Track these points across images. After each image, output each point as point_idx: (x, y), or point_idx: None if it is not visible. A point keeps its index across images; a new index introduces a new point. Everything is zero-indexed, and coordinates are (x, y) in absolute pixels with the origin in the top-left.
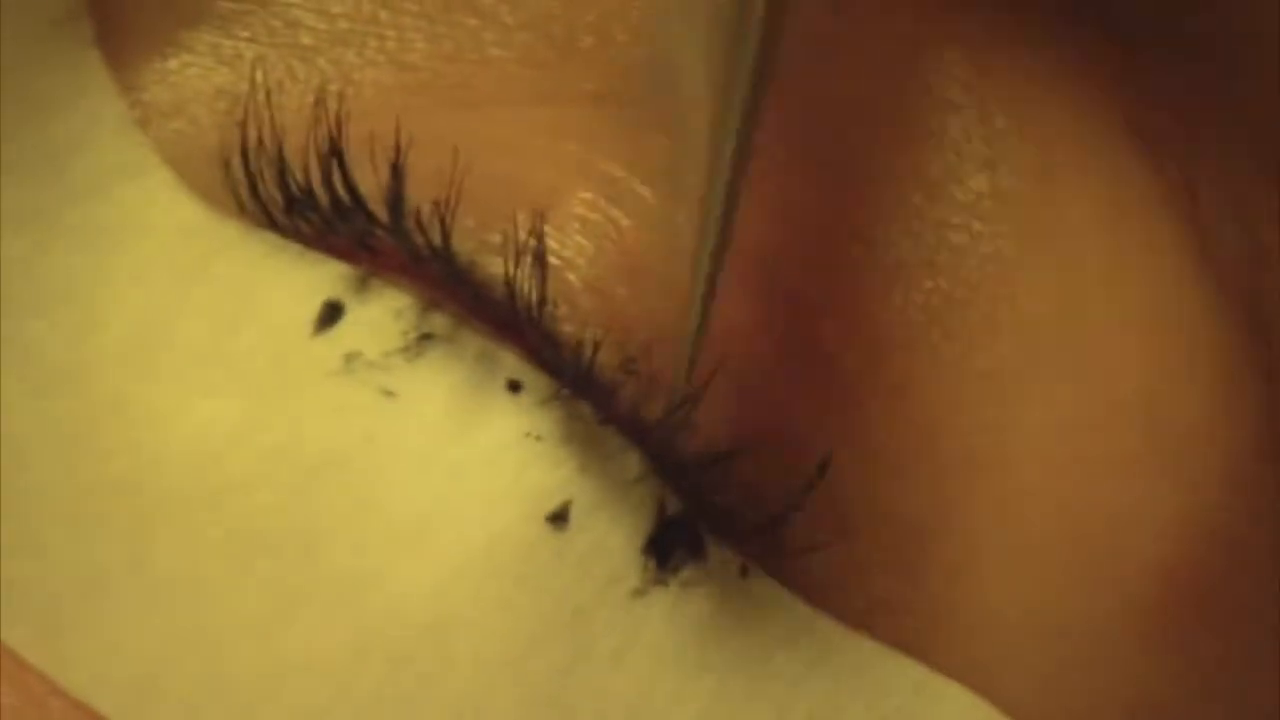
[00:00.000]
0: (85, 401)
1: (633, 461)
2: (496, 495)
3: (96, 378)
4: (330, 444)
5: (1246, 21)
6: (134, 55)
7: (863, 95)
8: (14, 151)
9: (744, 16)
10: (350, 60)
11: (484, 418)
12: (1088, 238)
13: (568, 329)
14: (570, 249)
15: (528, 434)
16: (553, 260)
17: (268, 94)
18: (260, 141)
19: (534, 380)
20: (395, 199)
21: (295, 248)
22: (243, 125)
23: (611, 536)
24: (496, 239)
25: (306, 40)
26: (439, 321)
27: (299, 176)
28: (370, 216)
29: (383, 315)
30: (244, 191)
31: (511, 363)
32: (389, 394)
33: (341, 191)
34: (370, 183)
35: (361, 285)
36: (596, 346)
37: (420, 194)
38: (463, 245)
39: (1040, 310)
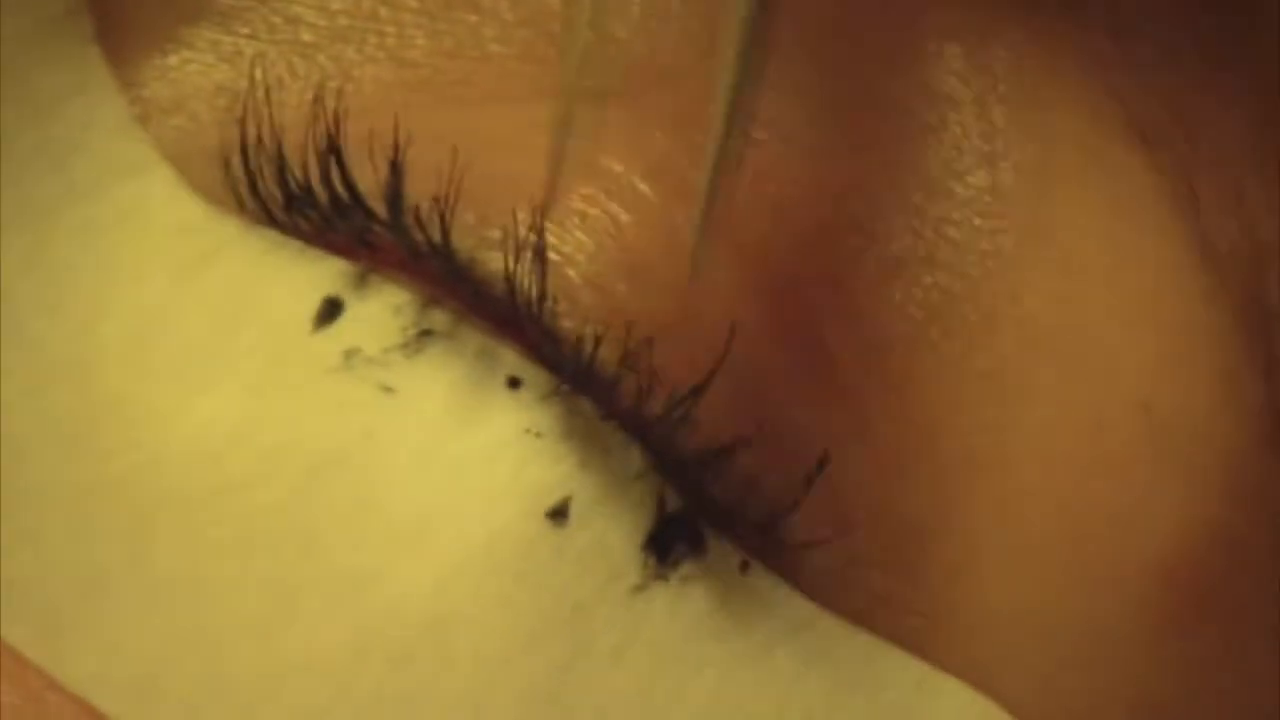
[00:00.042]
0: (85, 399)
1: (633, 457)
2: (496, 491)
3: (96, 375)
4: (330, 441)
5: (1245, 17)
6: (134, 52)
7: (862, 91)
8: (14, 149)
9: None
10: (350, 57)
11: (484, 414)
12: (1088, 234)
13: (568, 325)
14: (570, 245)
15: (527, 430)
16: (552, 256)
17: (267, 91)
18: (259, 139)
19: (534, 376)
20: (394, 195)
21: (295, 244)
22: (242, 122)
23: (611, 532)
24: (496, 235)
25: (307, 37)
26: (439, 318)
27: (298, 173)
28: (369, 213)
29: (382, 312)
30: (243, 188)
31: (511, 359)
32: (388, 390)
33: (340, 189)
34: (370, 179)
35: (361, 282)
36: (597, 342)
37: (420, 190)
38: (462, 241)
39: (1040, 307)
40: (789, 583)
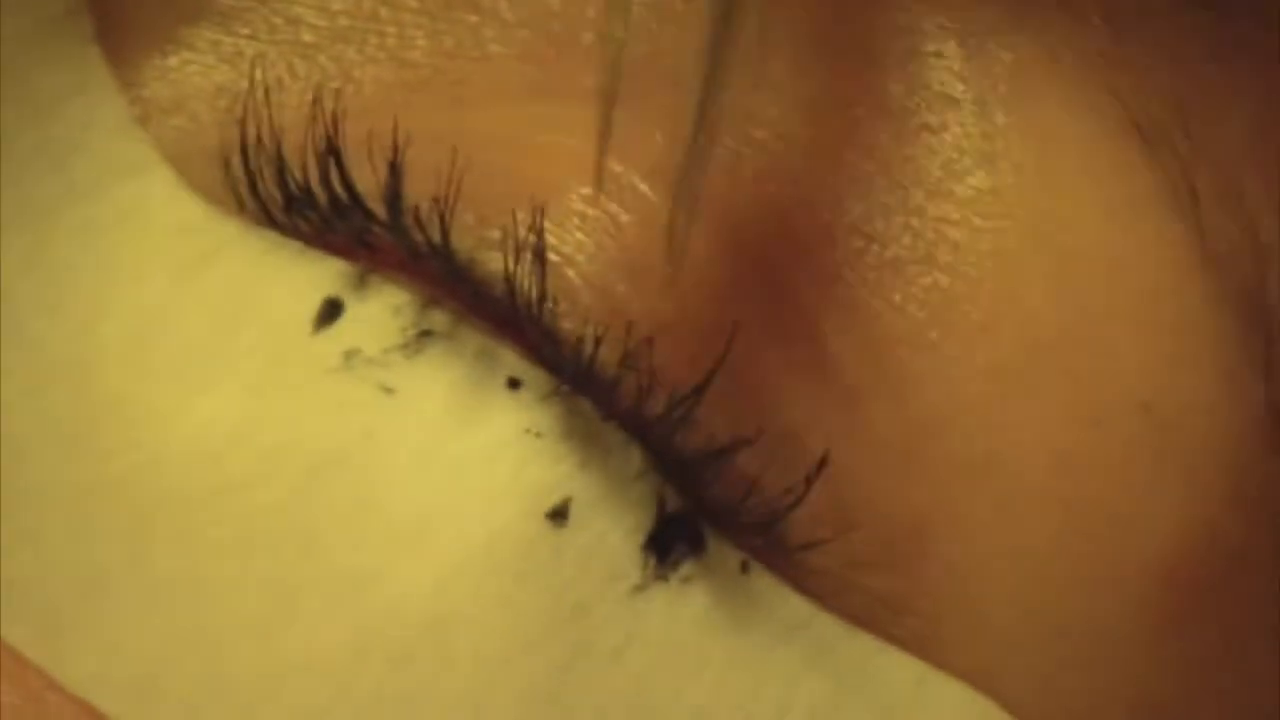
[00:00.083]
0: (85, 399)
1: (633, 458)
2: (496, 492)
3: (96, 375)
4: (330, 441)
5: (1245, 16)
6: (134, 52)
7: (862, 91)
8: (14, 149)
9: None
10: (350, 57)
11: (484, 414)
12: (1087, 234)
13: (567, 325)
14: (570, 245)
15: (527, 430)
16: (552, 257)
17: (267, 91)
18: (259, 139)
19: (534, 377)
20: (393, 196)
21: (295, 245)
22: (242, 123)
23: (612, 533)
24: (496, 235)
25: (307, 37)
26: (438, 318)
27: (297, 174)
28: (368, 214)
29: (382, 312)
30: (243, 189)
31: (511, 359)
32: (388, 391)
33: (339, 189)
34: (370, 180)
35: (361, 282)
36: (596, 343)
37: (420, 191)
38: (462, 242)
39: (1040, 306)
40: (789, 583)
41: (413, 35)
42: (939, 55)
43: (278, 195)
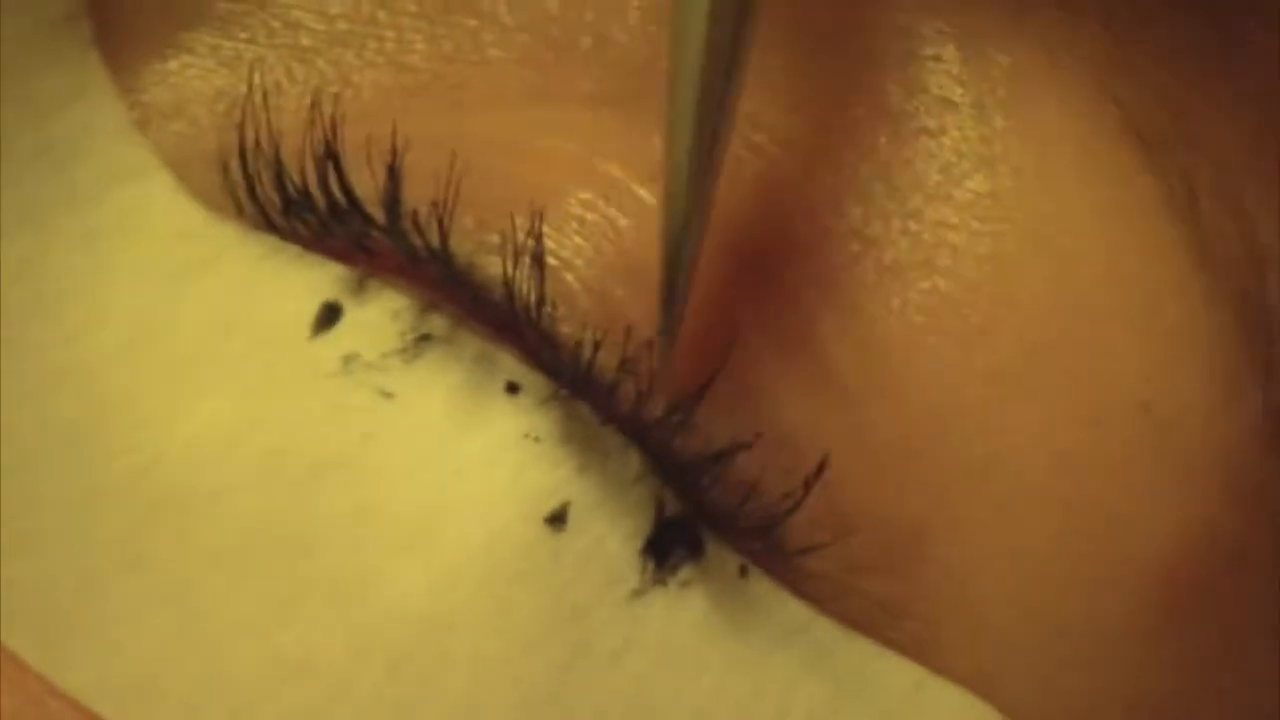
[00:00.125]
0: (84, 403)
1: (631, 462)
2: (495, 496)
3: (96, 379)
4: (328, 445)
5: (1243, 19)
6: (133, 57)
7: (859, 93)
8: (13, 152)
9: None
10: (349, 61)
11: (482, 419)
12: (1086, 237)
13: (566, 330)
14: (568, 250)
15: (526, 435)
16: (551, 261)
17: (265, 96)
18: (258, 143)
19: (532, 381)
20: (391, 200)
21: (293, 249)
22: (241, 127)
23: (610, 537)
24: (495, 240)
25: (306, 41)
26: (437, 323)
27: (296, 178)
28: (367, 218)
29: (381, 316)
30: (242, 193)
31: (510, 364)
32: (387, 395)
33: (338, 194)
34: (369, 184)
35: (359, 287)
36: (595, 347)
37: (419, 195)
38: (461, 246)
39: (1039, 310)
40: (787, 587)
41: (411, 40)
42: (937, 59)
43: (276, 199)
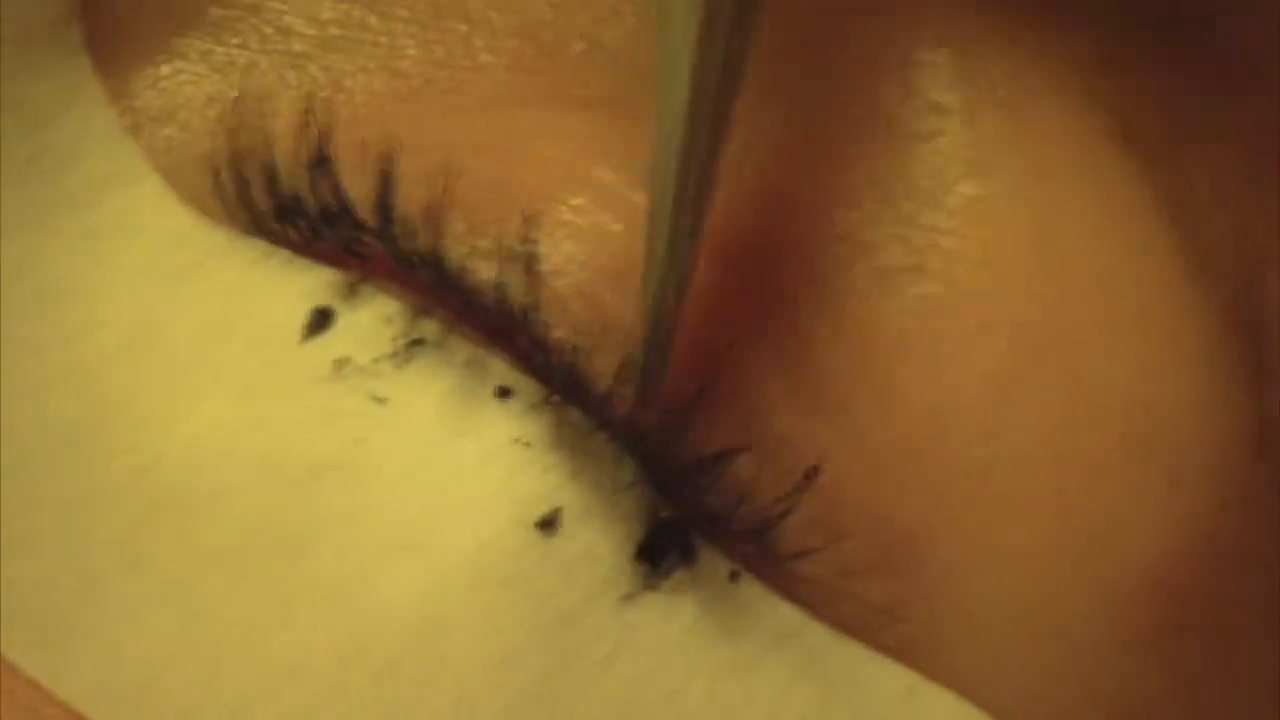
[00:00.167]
0: (84, 402)
1: (623, 467)
2: (486, 501)
3: (95, 379)
4: (320, 450)
5: (1234, 20)
6: (125, 62)
7: (851, 98)
8: (6, 157)
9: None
10: (341, 66)
11: (473, 424)
12: (1078, 242)
13: (558, 335)
14: (560, 255)
15: (517, 440)
16: (543, 266)
17: (257, 101)
18: (250, 148)
19: (524, 386)
20: (383, 205)
21: (285, 254)
22: (232, 132)
23: (601, 543)
24: (486, 245)
25: (298, 47)
26: (429, 327)
27: (287, 183)
28: (358, 223)
29: (372, 321)
30: (233, 198)
31: (501, 369)
32: (379, 400)
33: (330, 198)
34: (361, 189)
35: (351, 291)
36: (587, 353)
37: (411, 200)
38: (452, 251)
39: (1030, 315)
40: (779, 592)
41: (403, 44)
42: (930, 64)
43: (268, 204)
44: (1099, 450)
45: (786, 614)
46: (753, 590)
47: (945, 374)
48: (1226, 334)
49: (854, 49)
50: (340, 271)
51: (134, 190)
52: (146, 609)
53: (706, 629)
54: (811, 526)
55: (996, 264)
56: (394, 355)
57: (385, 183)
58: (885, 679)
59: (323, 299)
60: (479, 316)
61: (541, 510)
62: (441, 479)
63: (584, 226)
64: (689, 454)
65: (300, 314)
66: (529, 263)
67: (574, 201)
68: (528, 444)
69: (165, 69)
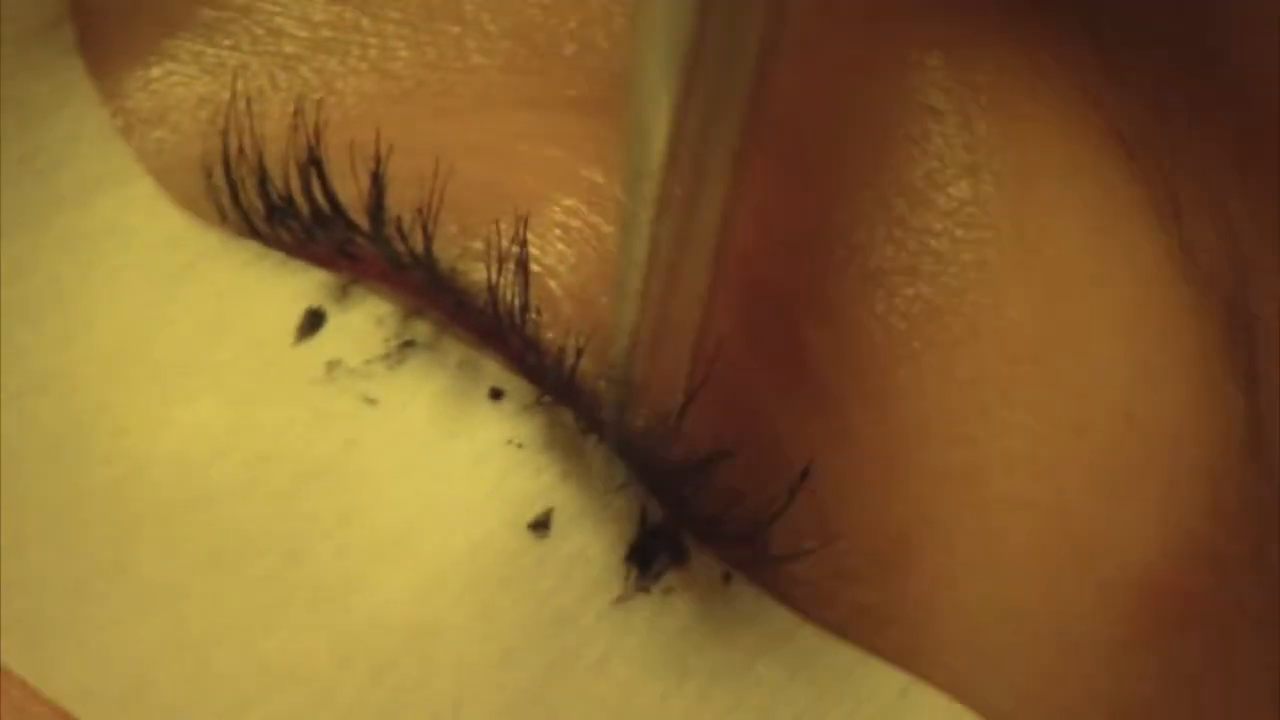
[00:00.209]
0: (69, 409)
1: (615, 469)
2: (478, 502)
3: (81, 385)
4: (312, 452)
5: (1226, 25)
6: (116, 63)
7: (845, 101)
8: (3, 157)
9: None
10: (333, 68)
11: (466, 425)
12: (1070, 244)
13: (550, 336)
14: (552, 256)
15: (509, 441)
16: (535, 267)
17: (249, 102)
18: (241, 150)
19: (516, 387)
20: (375, 207)
21: (277, 256)
22: (224, 134)
23: (594, 544)
24: (478, 246)
25: (289, 48)
26: (421, 329)
27: (279, 185)
28: (350, 224)
29: (364, 323)
30: (225, 200)
31: (493, 370)
32: (371, 401)
33: (321, 200)
34: (352, 191)
35: (343, 293)
36: (579, 354)
37: (403, 201)
38: (445, 252)
39: (1022, 317)
40: (772, 594)
41: (395, 46)
42: (922, 66)
43: (260, 206)
44: (1094, 451)
45: (779, 616)
46: (745, 592)
47: (934, 377)
48: (1217, 337)
49: (847, 51)
50: (332, 273)
51: (126, 191)
52: (134, 614)
53: (699, 631)
54: (803, 528)
55: (987, 266)
56: (386, 357)
57: (377, 184)
58: (878, 681)
59: (315, 301)
60: (471, 318)
61: (534, 511)
62: (434, 480)
63: (576, 228)
64: (681, 456)
65: (293, 316)
66: (521, 264)
67: (566, 203)
68: (520, 445)
69: (157, 71)
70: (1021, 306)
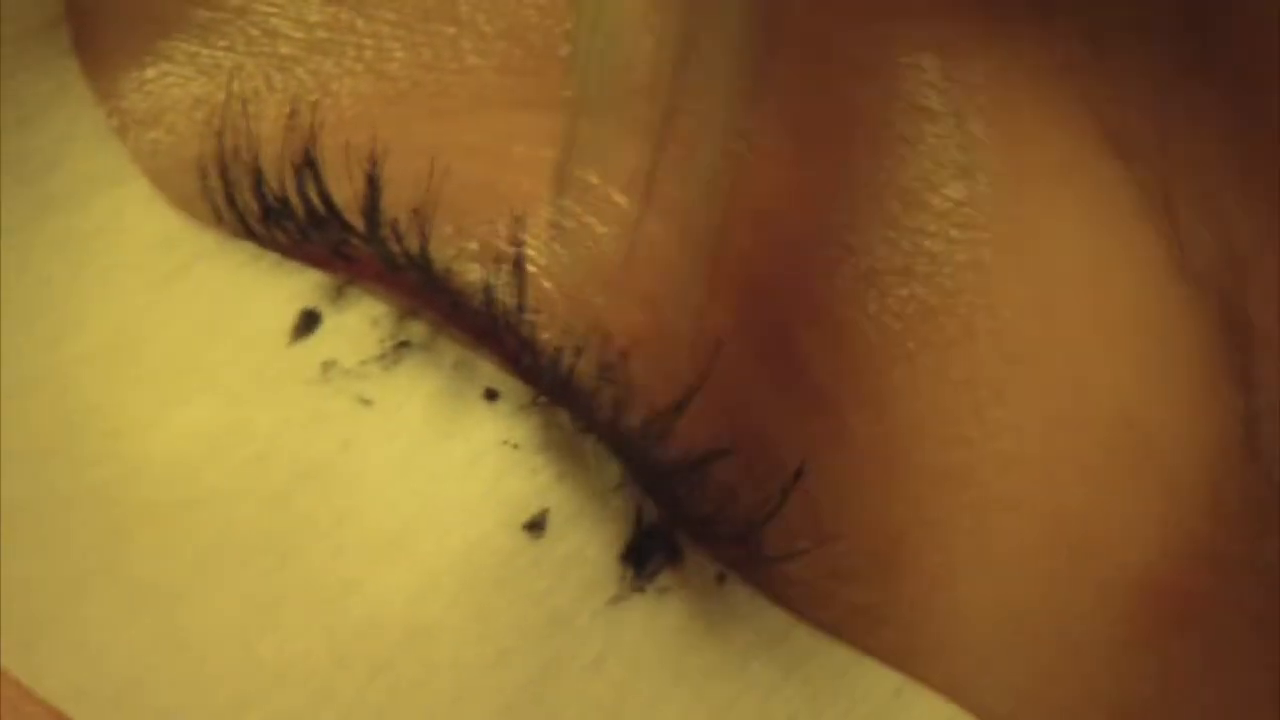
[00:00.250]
0: (63, 410)
1: (610, 469)
2: (474, 503)
3: (75, 386)
4: (308, 452)
5: (1224, 25)
6: (112, 64)
7: (839, 103)
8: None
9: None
10: (328, 69)
11: (461, 425)
12: (1064, 244)
13: (545, 336)
14: (548, 257)
15: (505, 442)
16: (530, 268)
17: (244, 103)
18: (236, 151)
19: (511, 388)
20: (371, 208)
21: (272, 257)
22: (219, 135)
23: (589, 545)
24: (474, 247)
25: (285, 49)
26: (416, 329)
27: (274, 186)
28: (346, 225)
29: (360, 323)
30: (220, 201)
31: (489, 371)
32: (366, 402)
33: (317, 201)
34: (348, 192)
35: (338, 294)
36: (574, 354)
37: (398, 202)
38: (440, 253)
39: (1017, 318)
40: (766, 594)
41: (390, 47)
42: (916, 67)
43: (255, 207)
44: (1090, 452)
45: (774, 616)
46: (740, 593)
47: (929, 378)
48: (1214, 338)
49: (841, 52)
50: (327, 274)
51: (121, 191)
52: (129, 612)
53: (694, 631)
54: (797, 529)
55: (981, 267)
56: (381, 357)
57: (372, 185)
58: (872, 681)
59: (310, 301)
60: (467, 318)
61: (529, 512)
62: (429, 481)
63: (571, 228)
64: (675, 456)
65: (288, 317)
66: (516, 265)
67: (561, 203)
68: (515, 446)
69: (151, 71)
70: (1017, 307)
